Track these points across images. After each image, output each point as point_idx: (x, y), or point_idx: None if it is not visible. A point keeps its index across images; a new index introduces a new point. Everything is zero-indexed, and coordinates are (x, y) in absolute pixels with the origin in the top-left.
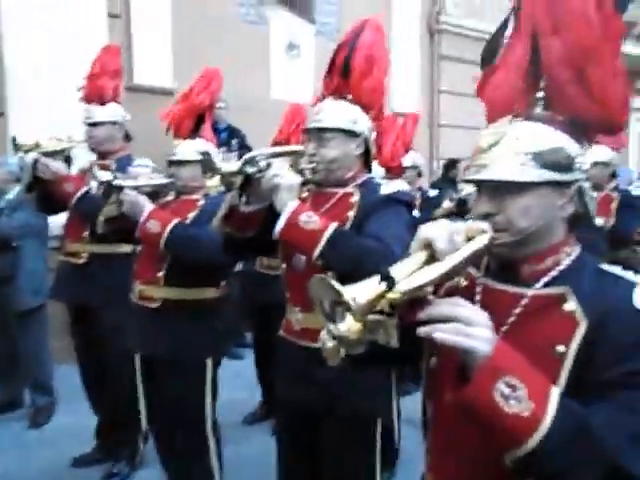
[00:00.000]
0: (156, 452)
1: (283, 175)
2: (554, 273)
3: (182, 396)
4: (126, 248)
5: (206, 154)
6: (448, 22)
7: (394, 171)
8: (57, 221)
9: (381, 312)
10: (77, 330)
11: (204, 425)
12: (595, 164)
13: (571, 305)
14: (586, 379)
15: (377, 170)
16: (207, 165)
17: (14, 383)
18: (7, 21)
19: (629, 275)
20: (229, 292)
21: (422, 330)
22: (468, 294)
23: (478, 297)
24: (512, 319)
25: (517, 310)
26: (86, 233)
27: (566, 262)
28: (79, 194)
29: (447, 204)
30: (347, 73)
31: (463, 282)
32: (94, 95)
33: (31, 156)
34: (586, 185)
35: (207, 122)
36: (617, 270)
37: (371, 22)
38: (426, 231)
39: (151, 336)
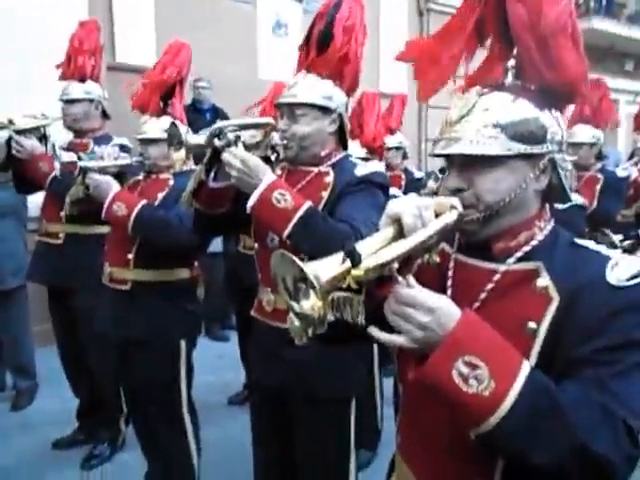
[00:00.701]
0: (134, 433)
1: (235, 166)
2: (527, 248)
3: (156, 378)
4: (103, 229)
5: (172, 126)
6: (437, 1)
7: (376, 152)
8: (35, 202)
9: (348, 288)
10: (55, 311)
11: (180, 407)
12: (581, 144)
13: (544, 281)
14: (558, 356)
15: (357, 151)
16: (173, 137)
17: None
18: None
19: (603, 249)
20: (212, 273)
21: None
22: (441, 270)
23: (450, 273)
24: (483, 295)
25: (488, 286)
26: (62, 213)
27: (539, 237)
28: (53, 174)
29: (432, 184)
30: (324, 47)
31: (436, 258)
32: (72, 73)
33: (4, 134)
34: (559, 157)
35: (176, 98)
36: (591, 244)
37: None
38: (395, 206)
39: (123, 318)
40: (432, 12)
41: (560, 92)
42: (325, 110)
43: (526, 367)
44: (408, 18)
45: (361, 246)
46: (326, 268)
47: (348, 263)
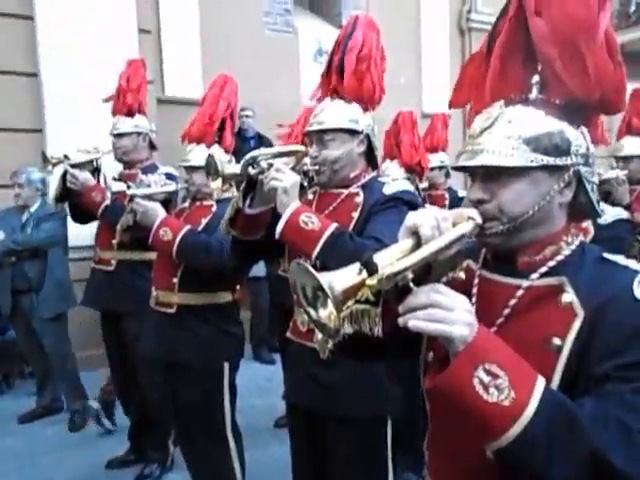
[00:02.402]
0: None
1: (280, 178)
2: (552, 263)
3: (200, 400)
4: (152, 255)
5: (210, 157)
6: (478, 20)
7: (415, 171)
8: (86, 231)
9: (366, 301)
10: (107, 335)
11: (224, 428)
12: (630, 158)
13: (568, 296)
14: (582, 373)
15: (396, 171)
16: (210, 167)
17: (52, 388)
18: (43, 41)
19: (632, 264)
20: (257, 297)
21: (399, 320)
22: (465, 286)
23: (475, 289)
24: (507, 311)
25: (512, 302)
26: (114, 241)
27: (566, 252)
28: (105, 203)
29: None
30: (342, 74)
31: (461, 275)
32: (120, 108)
33: (60, 168)
34: (585, 170)
35: (226, 129)
36: (620, 259)
37: (361, 19)
38: (413, 218)
39: (169, 341)
40: (473, 31)
41: (590, 103)
42: (352, 132)
43: (541, 381)
44: (449, 37)
45: (378, 257)
46: (341, 278)
47: (364, 274)
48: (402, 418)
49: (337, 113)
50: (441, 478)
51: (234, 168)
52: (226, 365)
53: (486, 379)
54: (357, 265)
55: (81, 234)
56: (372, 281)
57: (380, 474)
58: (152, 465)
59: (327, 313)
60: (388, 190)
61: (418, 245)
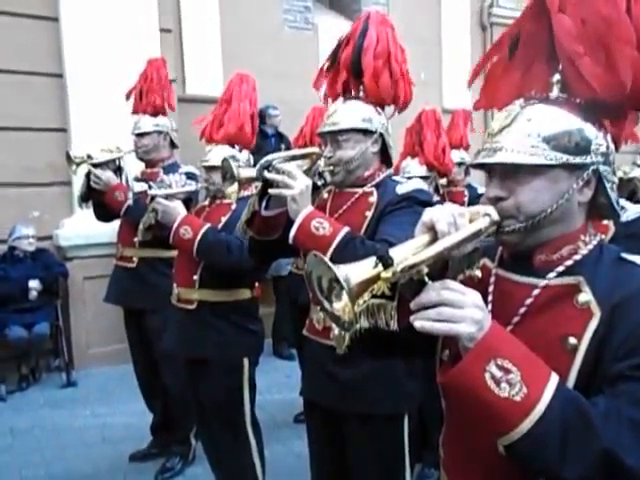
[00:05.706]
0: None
1: (291, 185)
2: (569, 262)
3: (220, 396)
4: (174, 253)
5: (225, 161)
6: (500, 15)
7: (436, 169)
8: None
9: (382, 295)
10: (130, 331)
11: (244, 423)
12: None
13: (585, 296)
14: (599, 373)
15: (417, 168)
16: (226, 172)
17: None
18: (68, 43)
19: None
20: (280, 295)
21: (410, 318)
22: (482, 286)
23: (491, 288)
24: (523, 310)
25: (528, 301)
26: (136, 239)
27: (583, 251)
28: (127, 203)
29: None
30: (359, 74)
31: (478, 273)
32: (141, 107)
33: (84, 168)
34: (604, 169)
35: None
36: (638, 259)
37: (373, 17)
38: (430, 213)
39: (189, 337)
40: (495, 25)
41: (615, 101)
42: (366, 132)
43: (555, 378)
44: (471, 33)
45: (395, 251)
46: (357, 271)
47: (380, 267)
48: (427, 415)
49: (350, 113)
50: (456, 475)
51: (250, 172)
52: (245, 361)
53: (498, 374)
54: (373, 258)
55: (104, 231)
56: (387, 274)
57: (398, 470)
58: (174, 459)
59: (342, 305)
60: (401, 189)
61: (434, 240)
